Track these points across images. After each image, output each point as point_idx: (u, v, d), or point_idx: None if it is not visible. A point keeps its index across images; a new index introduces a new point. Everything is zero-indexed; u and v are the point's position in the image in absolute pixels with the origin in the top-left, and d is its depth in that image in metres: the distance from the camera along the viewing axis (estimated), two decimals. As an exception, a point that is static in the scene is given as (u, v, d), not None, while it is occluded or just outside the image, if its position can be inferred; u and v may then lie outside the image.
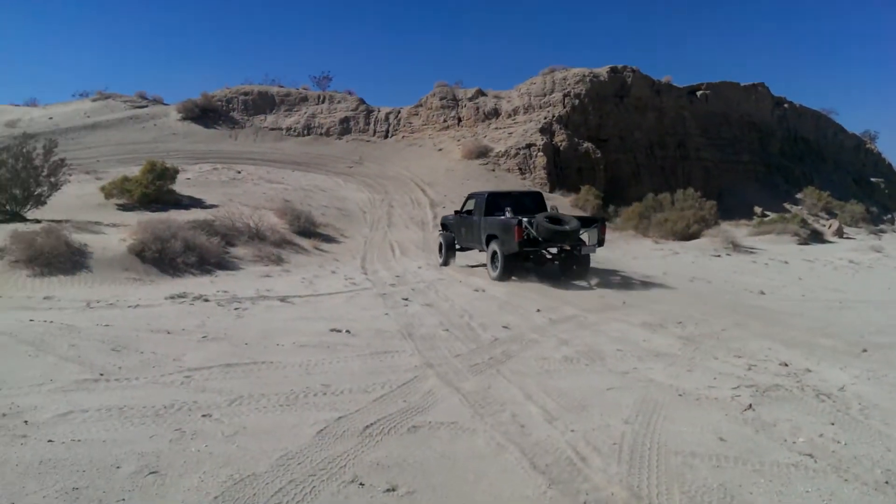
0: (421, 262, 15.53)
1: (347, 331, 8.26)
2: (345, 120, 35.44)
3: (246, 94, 36.89)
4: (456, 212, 15.48)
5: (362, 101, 36.90)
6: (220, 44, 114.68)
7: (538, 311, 10.02)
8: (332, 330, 8.27)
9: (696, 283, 13.68)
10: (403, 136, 34.36)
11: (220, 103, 36.34)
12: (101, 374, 6.01)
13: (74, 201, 18.35)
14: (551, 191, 27.61)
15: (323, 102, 36.85)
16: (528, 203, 13.84)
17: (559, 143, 29.86)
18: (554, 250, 12.65)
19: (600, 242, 12.66)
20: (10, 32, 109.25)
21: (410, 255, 16.86)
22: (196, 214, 17.41)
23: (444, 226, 15.83)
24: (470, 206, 14.49)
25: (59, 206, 16.88)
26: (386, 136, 34.74)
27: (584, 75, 32.45)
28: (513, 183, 27.20)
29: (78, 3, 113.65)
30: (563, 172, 29.34)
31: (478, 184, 26.47)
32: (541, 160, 28.71)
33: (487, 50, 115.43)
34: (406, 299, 10.84)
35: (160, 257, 12.64)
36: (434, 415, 5.30)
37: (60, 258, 11.44)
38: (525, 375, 6.48)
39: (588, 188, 26.95)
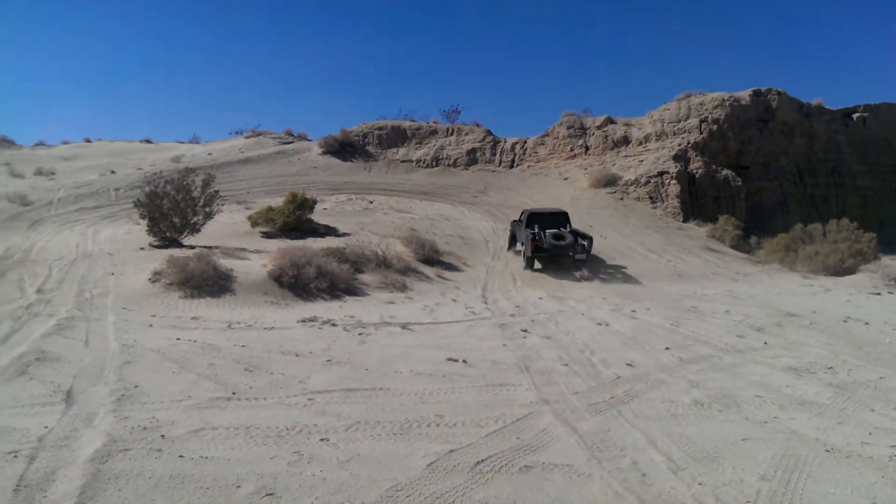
0: (542, 293, 15.23)
1: (464, 361, 8.21)
2: (472, 151, 36.06)
3: (380, 128, 38.71)
4: (513, 220, 21.35)
5: (489, 133, 37.40)
6: (360, 82, 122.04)
7: (667, 348, 9.40)
8: (449, 359, 8.26)
9: (850, 324, 12.22)
10: (529, 166, 34.29)
11: (356, 138, 38.39)
12: (234, 393, 6.39)
13: (225, 229, 20.04)
14: (685, 220, 26.18)
15: (451, 135, 37.79)
16: (556, 220, 19.19)
17: (695, 171, 28.32)
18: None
19: (588, 251, 18.20)
20: (178, 76, 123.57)
21: (532, 285, 16.59)
22: (330, 242, 18.33)
23: (512, 228, 21.04)
24: (521, 217, 20.08)
25: (212, 233, 18.53)
26: (511, 166, 34.86)
27: (723, 99, 30.67)
28: (643, 213, 26.12)
29: (238, 52, 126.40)
30: (698, 201, 27.72)
31: (605, 213, 25.67)
32: (674, 188, 27.35)
33: (617, 77, 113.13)
34: (525, 330, 10.62)
35: (295, 282, 13.38)
36: (548, 455, 5.06)
37: (209, 282, 12.46)
38: (649, 419, 6.05)
39: (727, 218, 25.21)
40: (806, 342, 10.16)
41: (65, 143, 40.82)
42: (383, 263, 16.23)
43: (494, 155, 35.86)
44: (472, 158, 35.84)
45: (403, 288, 15.06)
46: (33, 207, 22.02)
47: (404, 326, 10.72)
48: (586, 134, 33.71)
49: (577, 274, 17.43)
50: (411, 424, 5.68)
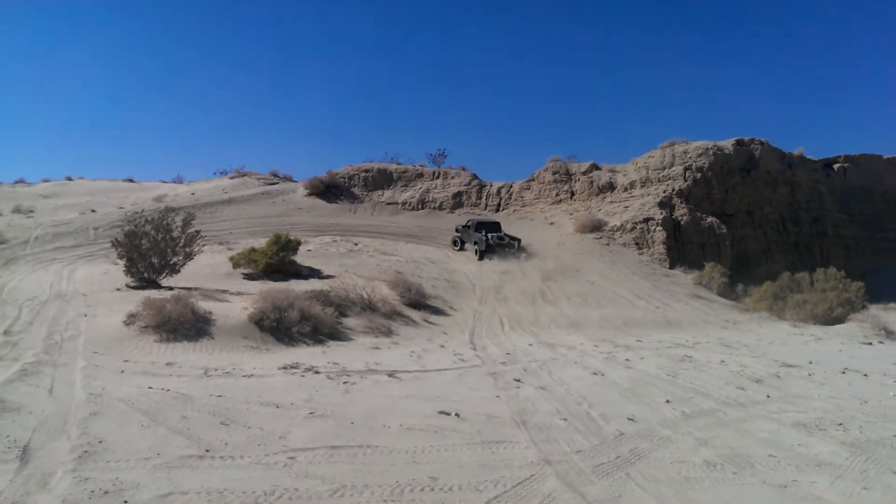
0: (532, 340, 14.79)
1: (457, 414, 7.69)
2: (458, 195, 35.99)
3: (367, 171, 38.59)
4: (458, 227, 28.26)
5: (475, 177, 37.44)
6: (346, 125, 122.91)
7: (667, 401, 8.96)
8: (441, 412, 7.73)
9: (849, 376, 11.90)
10: (514, 210, 34.23)
11: (342, 180, 38.19)
12: (207, 451, 5.81)
13: (206, 270, 19.43)
14: (671, 267, 26.05)
15: (437, 178, 37.77)
16: (495, 227, 26.88)
17: (680, 218, 28.39)
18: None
19: (520, 247, 25.60)
20: (163, 117, 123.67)
21: (520, 330, 16.18)
22: (313, 285, 17.81)
23: (457, 232, 27.80)
24: (468, 223, 27.51)
25: (192, 274, 17.91)
26: (497, 210, 34.76)
27: (706, 148, 31.04)
28: (629, 259, 25.99)
29: (224, 93, 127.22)
30: (684, 248, 27.68)
31: (591, 258, 25.47)
32: (659, 235, 27.32)
33: (602, 123, 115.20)
34: (518, 380, 10.13)
35: (277, 326, 12.82)
36: (556, 527, 4.55)
37: (186, 325, 11.86)
38: (660, 483, 5.57)
39: (713, 265, 25.12)
40: (808, 395, 9.78)
41: (45, 181, 40.05)
42: (369, 307, 15.72)
43: (480, 199, 35.80)
44: (458, 202, 35.74)
45: (389, 333, 14.54)
46: (8, 245, 21.26)
47: (391, 374, 10.19)
48: (572, 179, 33.84)
49: (518, 257, 24.70)
50: (403, 489, 5.15)
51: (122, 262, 16.51)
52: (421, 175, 38.48)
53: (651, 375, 10.90)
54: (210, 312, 12.78)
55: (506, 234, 26.26)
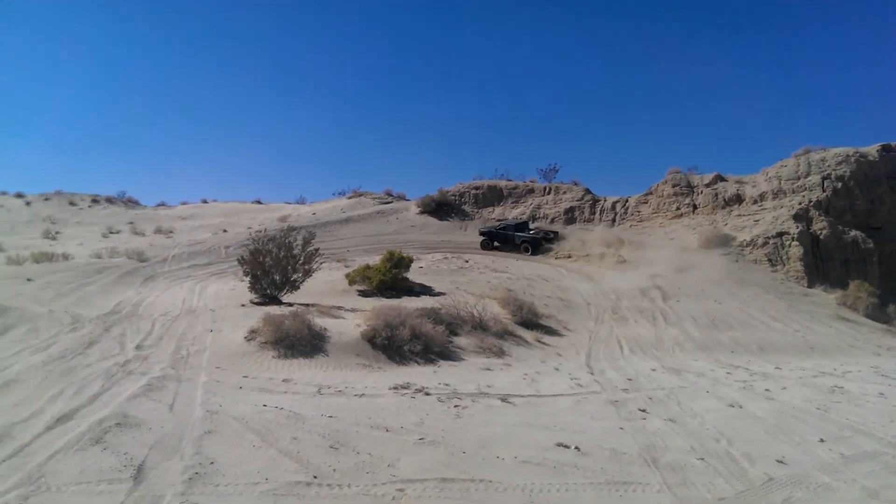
0: (654, 364, 13.65)
1: (577, 447, 6.98)
2: (570, 210, 34.91)
3: (476, 188, 38.51)
4: (482, 230, 30.91)
5: (588, 191, 36.20)
6: (458, 143, 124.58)
7: (821, 440, 7.71)
8: (559, 444, 7.06)
9: None
10: (631, 225, 32.60)
11: (453, 197, 38.34)
12: (315, 477, 5.55)
13: (323, 286, 19.92)
14: (810, 286, 23.49)
15: (548, 193, 36.92)
16: (524, 225, 30.87)
17: (818, 231, 25.63)
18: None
19: (557, 238, 29.80)
20: (289, 139, 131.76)
21: (640, 353, 15.04)
22: (425, 302, 17.67)
23: (487, 233, 30.34)
24: (500, 226, 30.41)
25: (311, 290, 18.39)
26: (612, 225, 33.31)
27: (847, 155, 27.98)
28: (761, 277, 23.74)
29: (345, 116, 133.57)
30: (824, 265, 24.93)
31: (718, 276, 23.53)
32: (796, 250, 24.78)
33: (723, 134, 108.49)
34: (643, 410, 9.22)
35: (389, 344, 12.68)
36: None
37: (302, 341, 11.99)
38: (831, 549, 4.60)
39: (859, 283, 22.35)
40: None
41: (183, 203, 43.55)
42: (479, 326, 15.27)
43: (594, 213, 34.52)
44: (570, 217, 34.70)
45: (501, 353, 13.99)
46: (149, 263, 23.00)
47: (504, 399, 9.64)
48: (694, 192, 31.77)
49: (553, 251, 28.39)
50: (520, 535, 4.57)
51: (247, 279, 17.23)
52: (531, 191, 37.82)
53: (798, 409, 9.56)
54: (325, 329, 12.88)
55: (541, 230, 30.95)
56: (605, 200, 35.22)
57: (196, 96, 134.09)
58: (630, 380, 11.71)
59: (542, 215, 35.38)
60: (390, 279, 19.92)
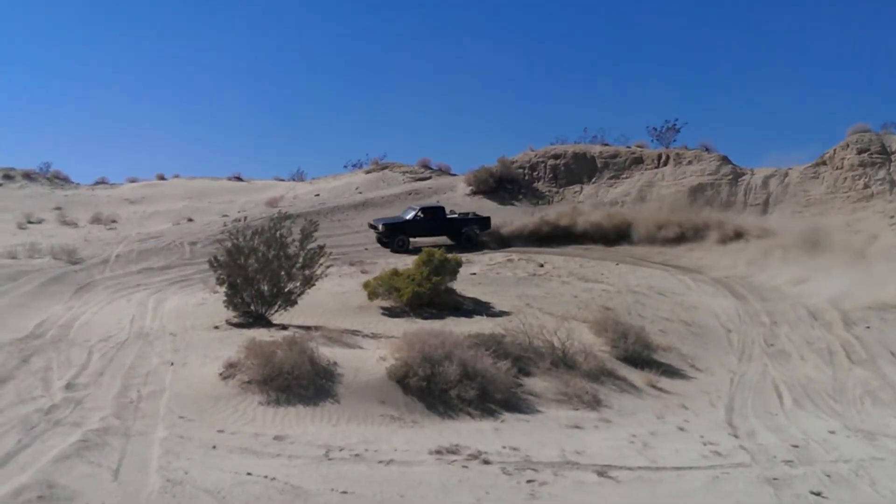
0: (834, 423, 13.33)
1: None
2: (698, 188, 34.48)
3: (556, 156, 38.43)
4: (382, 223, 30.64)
5: (725, 160, 35.69)
6: (522, 97, 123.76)
7: None
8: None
9: None
10: (795, 212, 32.00)
11: (521, 171, 38.38)
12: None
13: (331, 301, 20.13)
14: None
15: (665, 164, 36.55)
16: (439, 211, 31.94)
17: None
18: None
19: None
20: (279, 94, 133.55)
21: (811, 406, 14.73)
22: (480, 325, 17.65)
23: (393, 225, 30.47)
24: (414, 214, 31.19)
25: (313, 306, 18.59)
26: (765, 211, 32.75)
27: None
28: None
29: (356, 60, 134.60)
30: None
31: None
32: None
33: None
34: (818, 494, 9.03)
35: (428, 387, 12.71)
36: None
37: (302, 381, 12.11)
38: None
39: None
40: None
41: (131, 180, 44.81)
42: (563, 362, 15.22)
43: (735, 193, 34.17)
44: (696, 198, 34.33)
45: (595, 403, 13.90)
46: (83, 266, 23.69)
47: (602, 473, 9.61)
48: (891, 162, 30.98)
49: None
50: None
51: (221, 290, 17.52)
52: (639, 160, 37.68)
53: None
54: (335, 363, 13.02)
55: (468, 214, 32.50)
56: (751, 174, 34.76)
57: (155, 31, 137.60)
58: (796, 447, 11.52)
59: (655, 196, 35.15)
60: (429, 291, 20.00)
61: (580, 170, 37.55)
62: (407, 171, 42.28)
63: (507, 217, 34.13)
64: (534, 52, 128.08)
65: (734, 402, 14.90)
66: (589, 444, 11.15)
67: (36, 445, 8.67)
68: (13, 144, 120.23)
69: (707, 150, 37.18)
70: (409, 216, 30.51)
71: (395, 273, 20.75)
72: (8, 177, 43.37)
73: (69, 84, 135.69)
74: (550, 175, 37.73)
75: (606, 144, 39.43)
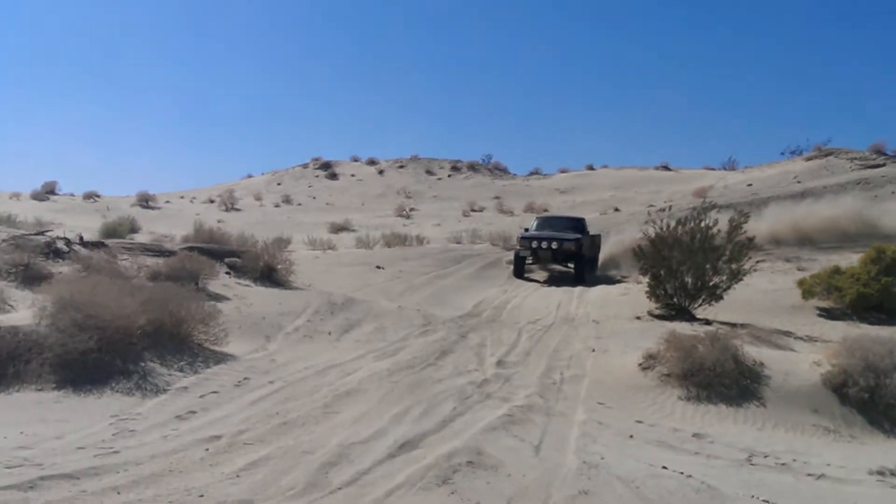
0: None
1: None
2: None
3: None
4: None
5: None
6: None
7: None
8: None
9: None
10: None
11: None
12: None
13: (760, 298, 19.25)
14: None
15: None
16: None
17: None
18: None
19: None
20: (714, 81, 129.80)
21: None
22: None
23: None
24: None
25: (740, 303, 17.94)
26: None
27: None
28: None
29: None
30: None
31: None
32: None
33: None
34: None
35: (871, 400, 11.54)
36: None
37: (725, 379, 11.72)
38: None
39: None
40: None
41: (562, 171, 47.02)
42: None
43: None
44: None
45: None
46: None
47: None
48: None
49: None
50: None
51: (643, 280, 17.68)
52: None
53: None
54: (761, 364, 12.44)
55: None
56: None
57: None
58: None
59: None
60: (877, 293, 18.30)
61: None
62: (855, 158, 38.97)
63: None
64: None
65: None
66: None
67: (468, 415, 9.49)
68: (461, 139, 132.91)
69: None
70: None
71: (837, 271, 19.29)
72: (455, 168, 48.29)
73: (514, 80, 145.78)
74: None
75: None
